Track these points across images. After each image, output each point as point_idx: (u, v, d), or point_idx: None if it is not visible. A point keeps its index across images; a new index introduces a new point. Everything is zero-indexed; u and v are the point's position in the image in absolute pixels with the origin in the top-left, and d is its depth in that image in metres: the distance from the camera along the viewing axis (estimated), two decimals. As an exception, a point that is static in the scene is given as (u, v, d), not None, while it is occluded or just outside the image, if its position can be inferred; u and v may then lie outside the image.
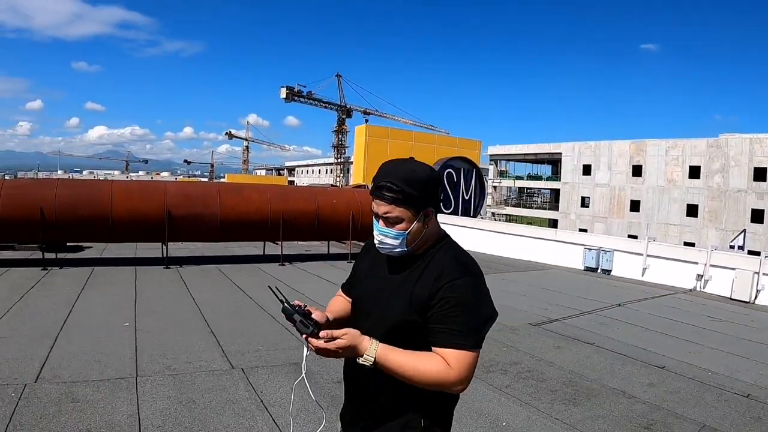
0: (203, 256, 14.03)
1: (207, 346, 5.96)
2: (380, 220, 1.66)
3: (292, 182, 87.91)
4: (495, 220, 48.29)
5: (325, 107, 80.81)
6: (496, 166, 62.12)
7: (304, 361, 1.71)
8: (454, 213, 25.88)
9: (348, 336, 1.57)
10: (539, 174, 61.07)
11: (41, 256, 11.23)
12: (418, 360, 1.59)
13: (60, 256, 12.20)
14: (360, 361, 1.58)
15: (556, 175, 55.67)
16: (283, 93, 77.42)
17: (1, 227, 10.74)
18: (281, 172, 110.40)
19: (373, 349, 1.58)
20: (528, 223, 39.44)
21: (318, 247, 16.36)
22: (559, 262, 16.17)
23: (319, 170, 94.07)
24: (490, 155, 60.64)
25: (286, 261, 12.90)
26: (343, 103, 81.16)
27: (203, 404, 4.35)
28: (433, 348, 1.62)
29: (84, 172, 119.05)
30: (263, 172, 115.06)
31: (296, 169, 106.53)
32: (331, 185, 59.34)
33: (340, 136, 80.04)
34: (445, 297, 1.61)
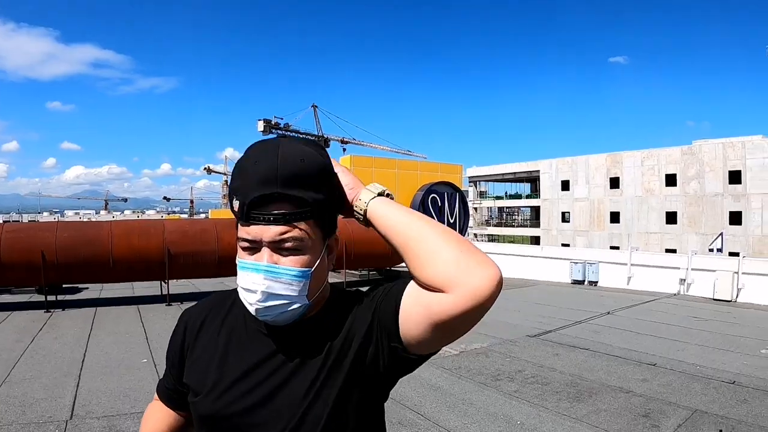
0: (201, 291, 14.26)
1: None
2: (262, 252, 0.99)
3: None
4: (478, 241, 48.88)
5: (303, 138, 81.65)
6: (476, 187, 63.02)
7: None
8: (440, 237, 26.32)
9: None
10: (519, 193, 62.07)
11: (43, 299, 11.37)
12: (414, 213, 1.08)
13: (59, 297, 12.32)
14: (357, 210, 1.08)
15: (535, 192, 56.62)
16: (261, 126, 78.06)
17: (2, 271, 10.87)
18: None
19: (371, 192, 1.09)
20: (510, 242, 40.06)
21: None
22: (547, 277, 16.67)
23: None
24: (469, 177, 61.49)
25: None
26: (320, 134, 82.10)
27: None
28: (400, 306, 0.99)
29: (68, 213, 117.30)
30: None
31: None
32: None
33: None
34: (377, 299, 1.07)
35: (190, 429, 1.27)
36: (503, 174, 59.49)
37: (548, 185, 51.84)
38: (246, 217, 0.97)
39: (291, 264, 0.99)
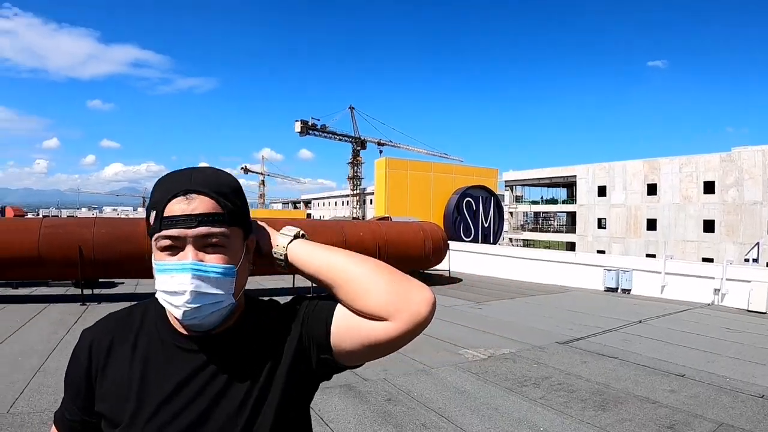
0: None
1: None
2: (186, 251, 1.00)
3: (309, 215, 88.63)
4: (512, 245, 48.60)
5: (340, 140, 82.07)
6: (512, 191, 62.68)
7: None
8: (474, 240, 26.34)
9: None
10: (555, 198, 61.51)
11: (80, 292, 11.67)
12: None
13: (95, 291, 12.59)
14: (277, 259, 1.13)
15: (571, 197, 56.14)
16: (298, 127, 78.91)
17: (40, 265, 11.27)
18: (297, 205, 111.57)
19: (287, 236, 1.15)
20: (545, 247, 39.72)
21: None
22: (580, 284, 16.54)
23: (335, 202, 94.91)
24: (505, 181, 61.24)
25: (314, 292, 13.30)
26: (357, 135, 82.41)
27: None
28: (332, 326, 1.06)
29: (106, 209, 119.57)
30: (279, 206, 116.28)
31: (312, 201, 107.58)
32: (354, 218, 59.99)
33: (355, 167, 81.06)
34: (303, 316, 1.11)
35: None
36: (539, 179, 59.12)
37: (584, 191, 51.28)
38: (166, 221, 0.99)
39: (217, 261, 1.00)
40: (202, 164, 1.17)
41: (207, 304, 0.99)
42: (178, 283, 0.97)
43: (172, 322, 1.08)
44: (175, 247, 1.00)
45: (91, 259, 11.45)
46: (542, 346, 8.06)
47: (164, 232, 0.99)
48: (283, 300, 1.21)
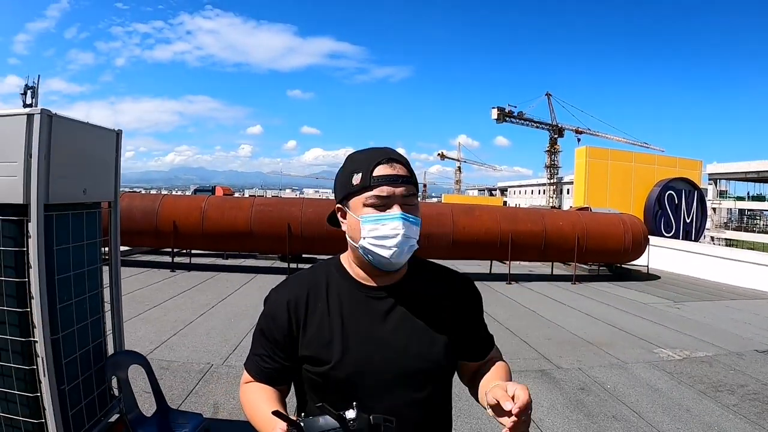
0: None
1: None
2: (393, 208, 1.29)
3: (504, 203, 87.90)
4: (714, 244, 43.44)
5: (537, 127, 80.00)
6: (715, 185, 55.63)
7: None
8: (675, 236, 24.27)
9: (524, 389, 1.15)
10: (763, 194, 53.42)
11: (286, 265, 13.19)
12: (507, 373, 1.47)
13: (299, 266, 13.62)
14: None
15: None
16: (494, 114, 78.55)
17: (251, 239, 12.82)
18: (493, 192, 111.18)
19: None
20: (749, 248, 34.91)
21: (540, 267, 16.81)
22: None
23: (531, 191, 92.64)
24: (709, 174, 54.45)
25: (512, 280, 13.64)
26: (554, 123, 79.56)
27: (465, 398, 5.30)
28: (474, 364, 1.51)
29: (307, 191, 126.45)
30: (475, 192, 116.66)
31: (508, 189, 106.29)
32: (552, 207, 58.55)
33: (552, 156, 78.46)
34: (476, 312, 1.52)
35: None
36: (746, 173, 51.41)
37: None
38: (375, 180, 1.27)
39: (413, 213, 1.31)
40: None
41: (407, 246, 1.30)
42: (392, 228, 1.27)
43: (355, 277, 1.41)
44: (382, 205, 1.28)
45: (299, 235, 12.64)
46: (740, 353, 7.55)
47: (376, 191, 1.28)
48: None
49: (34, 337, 2.48)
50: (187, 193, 44.39)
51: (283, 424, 1.10)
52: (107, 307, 3.23)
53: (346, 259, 1.46)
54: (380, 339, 1.33)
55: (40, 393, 2.50)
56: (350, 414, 1.12)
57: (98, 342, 3.05)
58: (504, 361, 1.53)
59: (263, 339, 1.41)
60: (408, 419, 1.28)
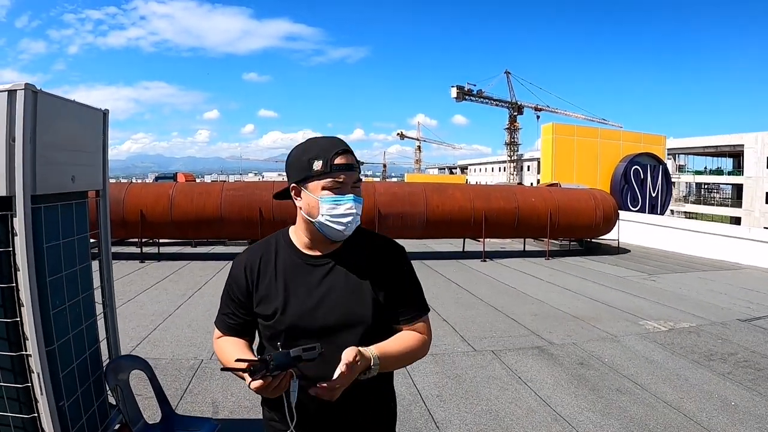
0: (409, 252, 15.37)
1: (446, 332, 6.95)
2: (348, 189, 1.58)
3: (466, 181, 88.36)
4: (674, 216, 44.93)
5: (496, 105, 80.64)
6: (674, 160, 57.25)
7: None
8: (641, 210, 24.88)
9: (353, 351, 1.45)
10: (720, 168, 55.32)
11: None
12: (407, 343, 1.66)
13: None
14: (365, 375, 1.51)
15: (738, 168, 50.11)
16: (454, 93, 78.76)
17: (221, 225, 12.52)
18: (453, 170, 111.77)
19: (373, 354, 1.52)
20: (709, 221, 36.15)
21: (511, 244, 16.97)
22: (754, 261, 14.98)
23: (492, 168, 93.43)
24: (668, 149, 56.03)
25: (487, 257, 13.65)
26: (513, 100, 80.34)
27: (469, 379, 5.30)
28: (401, 327, 1.70)
29: (267, 174, 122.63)
30: (435, 171, 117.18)
31: (468, 167, 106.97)
32: (519, 183, 59.16)
33: (512, 133, 79.25)
34: (399, 275, 1.71)
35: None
36: (704, 147, 53.08)
37: (753, 161, 45.46)
38: (335, 168, 1.53)
39: (359, 194, 1.60)
40: (339, 135, 1.79)
41: (356, 222, 1.58)
42: (347, 208, 1.55)
43: (299, 247, 1.68)
44: (337, 188, 1.54)
45: (270, 219, 12.36)
46: (724, 322, 7.71)
47: (335, 177, 1.54)
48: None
49: (26, 351, 2.15)
50: (147, 181, 43.02)
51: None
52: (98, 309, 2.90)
53: (295, 231, 1.72)
54: (316, 298, 1.59)
55: (38, 413, 2.19)
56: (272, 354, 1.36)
57: (94, 348, 2.72)
58: (417, 339, 1.69)
59: (228, 298, 1.70)
60: (331, 363, 1.43)
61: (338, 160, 1.54)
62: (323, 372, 1.43)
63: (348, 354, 1.41)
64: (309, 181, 1.56)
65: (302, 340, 1.49)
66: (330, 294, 1.60)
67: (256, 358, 1.37)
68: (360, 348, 1.47)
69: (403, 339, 1.67)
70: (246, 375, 1.36)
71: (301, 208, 1.62)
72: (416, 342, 1.69)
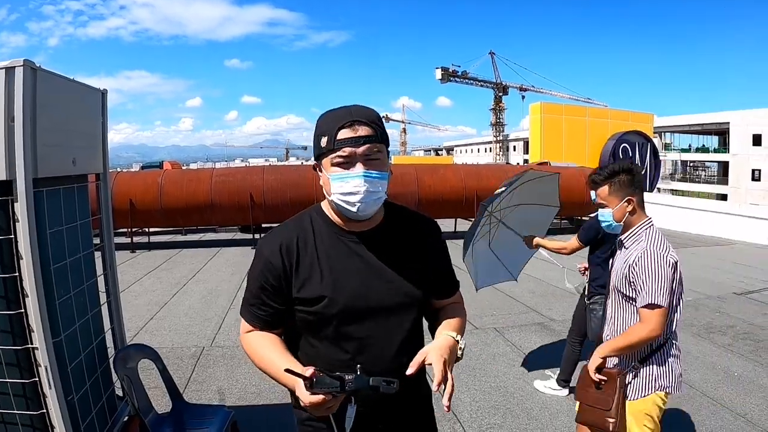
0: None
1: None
2: (356, 166, 1.39)
3: (452, 162, 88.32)
4: (660, 194, 45.30)
5: (481, 86, 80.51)
6: (660, 138, 57.59)
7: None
8: (630, 188, 25.03)
9: (439, 367, 1.33)
10: (706, 146, 55.82)
11: (250, 236, 12.70)
12: (461, 315, 1.67)
13: (263, 235, 13.78)
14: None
15: (723, 146, 50.61)
16: (439, 74, 78.51)
17: (212, 212, 12.40)
18: (439, 152, 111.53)
19: (457, 338, 1.52)
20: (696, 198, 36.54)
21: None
22: (745, 237, 15.12)
23: (478, 149, 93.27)
24: (654, 127, 56.31)
25: (480, 237, 13.57)
26: (498, 81, 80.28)
27: (475, 357, 5.30)
28: (442, 300, 1.70)
29: (252, 161, 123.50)
30: (421, 153, 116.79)
31: (454, 148, 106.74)
32: (507, 163, 59.22)
33: (497, 113, 79.18)
34: (441, 251, 1.68)
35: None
36: (690, 125, 53.51)
37: (738, 139, 45.92)
38: (339, 143, 1.37)
39: (378, 168, 1.41)
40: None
41: (372, 199, 1.41)
42: (354, 186, 1.39)
43: (336, 223, 1.53)
44: (347, 162, 1.39)
45: (261, 204, 12.30)
46: (720, 296, 7.83)
47: (339, 152, 1.38)
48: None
49: (32, 344, 2.03)
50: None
51: (301, 382, 1.25)
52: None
53: (327, 206, 1.56)
54: (366, 277, 1.48)
55: (46, 409, 2.07)
56: (349, 376, 1.25)
57: (101, 338, 2.62)
58: (463, 309, 1.72)
59: (258, 287, 1.51)
60: (388, 345, 1.47)
61: (342, 134, 1.38)
62: (379, 400, 1.34)
63: (437, 371, 1.31)
64: (321, 158, 1.44)
65: (354, 325, 1.46)
66: (381, 273, 1.50)
67: (333, 375, 1.25)
68: (439, 344, 1.43)
69: (457, 311, 1.67)
70: (300, 383, 1.26)
71: (323, 186, 1.49)
72: (464, 312, 1.69)
